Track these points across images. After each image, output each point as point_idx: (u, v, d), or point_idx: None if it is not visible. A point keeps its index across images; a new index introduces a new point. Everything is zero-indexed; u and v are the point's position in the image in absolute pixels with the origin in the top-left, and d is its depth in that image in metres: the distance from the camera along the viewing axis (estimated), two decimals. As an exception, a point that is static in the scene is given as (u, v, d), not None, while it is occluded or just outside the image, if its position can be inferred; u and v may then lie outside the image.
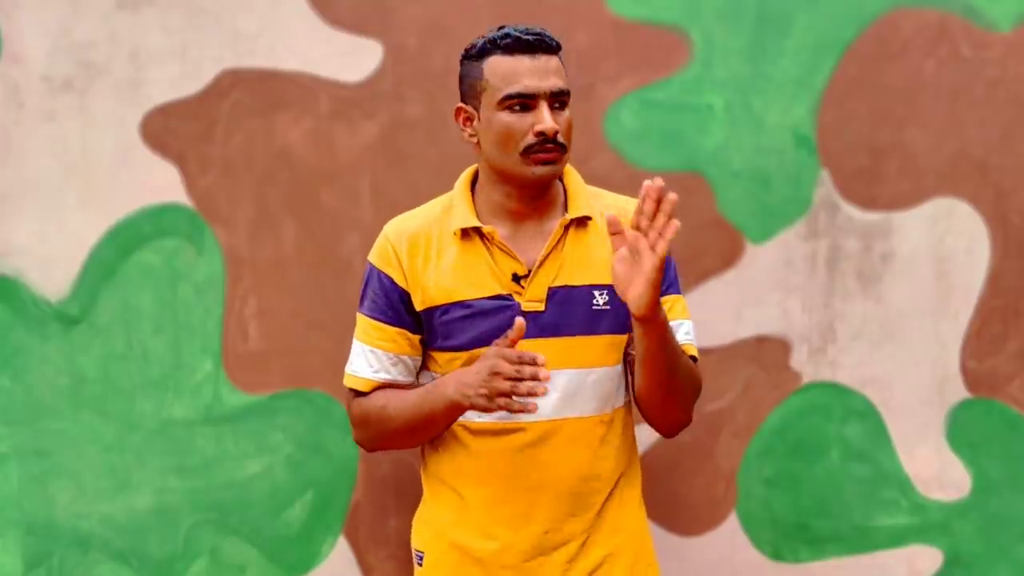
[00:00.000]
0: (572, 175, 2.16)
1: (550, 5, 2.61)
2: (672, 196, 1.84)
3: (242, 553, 2.65)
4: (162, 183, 2.62)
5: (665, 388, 2.03)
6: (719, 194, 2.65)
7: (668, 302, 2.10)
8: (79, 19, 2.60)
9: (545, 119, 2.00)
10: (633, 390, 2.11)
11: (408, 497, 2.64)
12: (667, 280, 2.11)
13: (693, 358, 2.13)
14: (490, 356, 1.91)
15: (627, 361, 2.15)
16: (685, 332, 2.13)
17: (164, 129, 2.62)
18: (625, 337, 2.11)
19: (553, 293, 2.06)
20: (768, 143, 2.66)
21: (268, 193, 2.64)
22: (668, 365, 2.00)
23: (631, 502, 2.16)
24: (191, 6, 2.62)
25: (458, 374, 2.00)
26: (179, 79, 2.62)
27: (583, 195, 2.13)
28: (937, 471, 2.68)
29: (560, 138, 2.02)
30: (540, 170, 2.02)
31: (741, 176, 2.66)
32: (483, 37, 2.07)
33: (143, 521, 2.64)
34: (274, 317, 2.64)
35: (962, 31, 2.65)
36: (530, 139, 2.01)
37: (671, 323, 2.04)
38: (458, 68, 2.12)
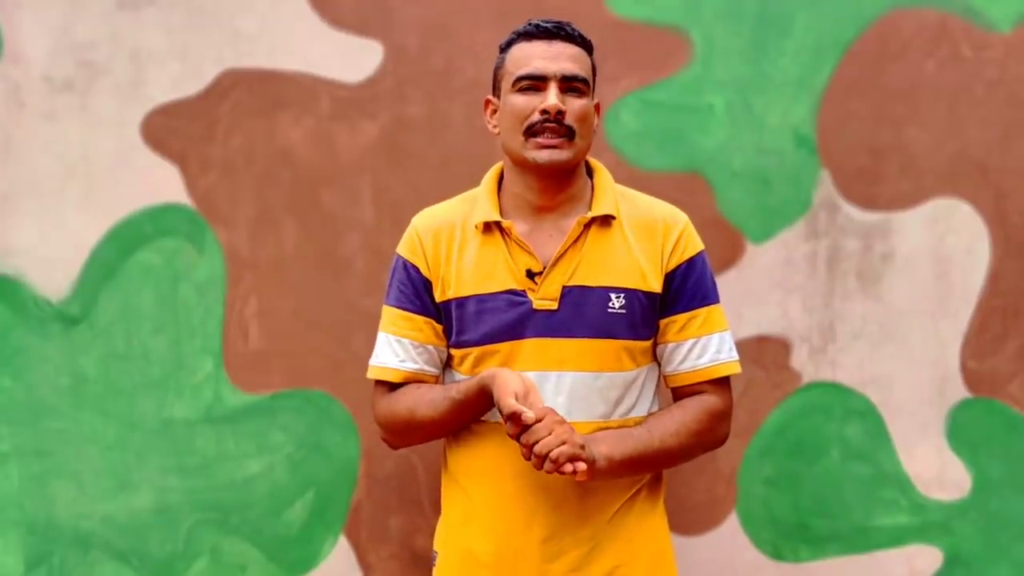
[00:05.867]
0: (602, 173, 2.14)
1: (550, 5, 2.61)
2: (526, 416, 1.86)
3: (243, 553, 2.65)
4: (162, 183, 2.63)
5: (669, 466, 2.13)
6: (719, 194, 2.65)
7: (699, 315, 2.09)
8: (79, 19, 2.61)
9: (550, 97, 1.99)
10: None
11: (409, 497, 2.65)
12: (700, 292, 2.10)
13: (725, 379, 2.12)
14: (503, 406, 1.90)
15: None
16: (716, 351, 2.10)
17: (165, 129, 2.63)
18: (643, 344, 2.08)
19: (567, 292, 2.03)
20: (768, 143, 2.65)
21: (268, 193, 2.64)
22: (654, 467, 2.09)
23: (650, 511, 2.11)
24: (191, 6, 2.62)
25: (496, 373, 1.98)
26: (180, 79, 2.62)
27: (610, 194, 2.09)
28: (937, 471, 2.68)
29: (568, 120, 2.00)
30: (541, 155, 2.00)
31: (741, 176, 2.66)
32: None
33: (144, 521, 2.64)
34: (274, 317, 2.65)
35: (962, 31, 2.65)
36: (534, 117, 2.00)
37: (690, 341, 2.08)
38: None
